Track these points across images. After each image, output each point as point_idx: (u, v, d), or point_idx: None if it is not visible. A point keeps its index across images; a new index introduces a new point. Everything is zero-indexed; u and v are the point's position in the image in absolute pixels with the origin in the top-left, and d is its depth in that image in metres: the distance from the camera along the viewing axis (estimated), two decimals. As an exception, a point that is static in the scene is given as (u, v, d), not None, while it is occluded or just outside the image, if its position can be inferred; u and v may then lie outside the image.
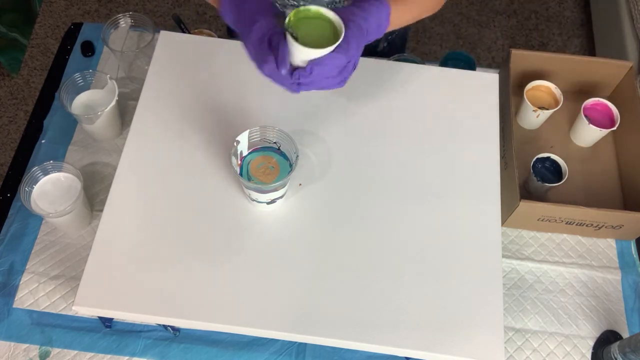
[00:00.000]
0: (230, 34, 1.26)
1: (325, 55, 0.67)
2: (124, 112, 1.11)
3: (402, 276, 0.81)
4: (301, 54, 0.68)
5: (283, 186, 0.81)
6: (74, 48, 1.19)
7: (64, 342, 0.91)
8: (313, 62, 0.67)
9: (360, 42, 0.71)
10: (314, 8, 0.70)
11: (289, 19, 0.69)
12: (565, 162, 1.06)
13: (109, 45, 1.06)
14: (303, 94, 0.73)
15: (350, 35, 0.69)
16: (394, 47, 1.24)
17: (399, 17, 0.79)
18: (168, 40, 0.97)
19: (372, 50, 1.20)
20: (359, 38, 0.71)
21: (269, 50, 0.68)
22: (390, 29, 0.77)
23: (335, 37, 0.68)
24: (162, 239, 0.82)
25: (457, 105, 0.97)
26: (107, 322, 0.92)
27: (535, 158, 1.07)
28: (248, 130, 0.80)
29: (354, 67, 0.72)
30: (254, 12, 0.71)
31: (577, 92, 1.20)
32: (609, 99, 1.16)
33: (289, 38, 0.67)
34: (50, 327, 0.92)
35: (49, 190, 0.93)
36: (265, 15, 0.70)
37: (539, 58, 1.15)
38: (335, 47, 0.67)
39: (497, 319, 0.79)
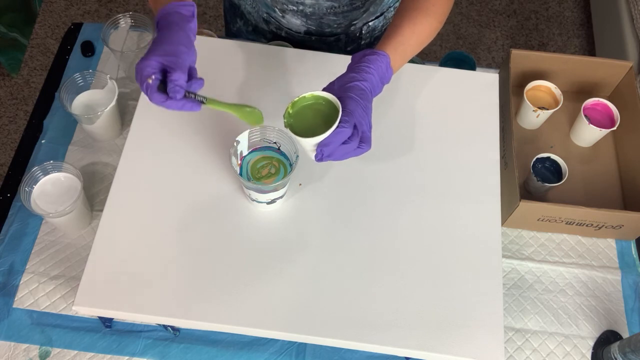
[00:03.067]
0: (230, 35, 1.26)
1: (329, 136, 0.70)
2: (124, 112, 1.10)
3: (402, 276, 0.81)
4: (305, 143, 0.71)
5: (283, 186, 0.81)
6: (74, 48, 1.19)
7: (64, 342, 0.91)
8: (321, 145, 0.71)
9: (366, 105, 0.74)
10: (308, 94, 0.73)
11: (287, 112, 0.72)
12: (565, 162, 1.06)
13: (109, 45, 1.06)
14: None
15: (353, 106, 0.72)
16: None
17: (402, 59, 0.81)
18: (168, 40, 0.97)
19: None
20: (364, 103, 0.73)
21: (156, 92, 0.69)
22: (395, 71, 0.80)
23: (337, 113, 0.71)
24: (162, 239, 0.82)
25: (457, 105, 0.97)
26: (107, 322, 0.92)
27: (535, 158, 1.07)
28: (248, 130, 0.81)
29: (370, 128, 0.74)
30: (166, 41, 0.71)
31: (577, 92, 1.20)
32: (609, 99, 1.16)
33: (290, 134, 0.71)
34: (50, 327, 0.92)
35: (49, 190, 0.93)
36: (162, 54, 0.69)
37: (539, 58, 1.15)
38: (338, 124, 0.70)
39: (497, 319, 0.79)
